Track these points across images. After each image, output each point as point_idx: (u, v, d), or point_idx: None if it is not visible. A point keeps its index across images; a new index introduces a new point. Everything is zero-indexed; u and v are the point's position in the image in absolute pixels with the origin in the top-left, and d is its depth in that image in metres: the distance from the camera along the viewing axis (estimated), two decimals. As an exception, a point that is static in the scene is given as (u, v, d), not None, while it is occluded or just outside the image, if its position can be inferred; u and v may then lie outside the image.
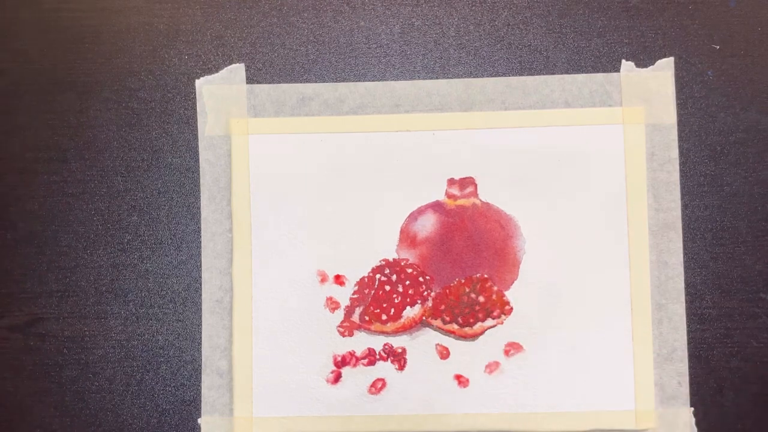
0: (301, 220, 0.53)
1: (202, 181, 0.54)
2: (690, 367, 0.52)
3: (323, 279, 0.53)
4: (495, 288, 0.53)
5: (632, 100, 0.53)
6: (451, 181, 0.53)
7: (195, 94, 0.54)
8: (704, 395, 0.53)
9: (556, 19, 0.54)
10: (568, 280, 0.52)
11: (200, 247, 0.53)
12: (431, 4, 0.55)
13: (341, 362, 0.53)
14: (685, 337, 0.52)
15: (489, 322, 0.53)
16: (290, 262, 0.53)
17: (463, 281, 0.53)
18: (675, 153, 0.53)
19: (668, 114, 0.53)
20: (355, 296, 0.53)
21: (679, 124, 0.53)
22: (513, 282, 0.53)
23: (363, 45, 0.54)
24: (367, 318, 0.53)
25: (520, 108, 0.53)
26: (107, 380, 0.54)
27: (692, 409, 0.52)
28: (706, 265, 0.53)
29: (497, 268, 0.53)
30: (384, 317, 0.53)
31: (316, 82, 0.54)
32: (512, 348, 0.52)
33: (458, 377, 0.52)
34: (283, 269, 0.53)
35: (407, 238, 0.53)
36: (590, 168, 0.53)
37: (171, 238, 0.54)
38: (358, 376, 0.53)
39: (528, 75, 0.54)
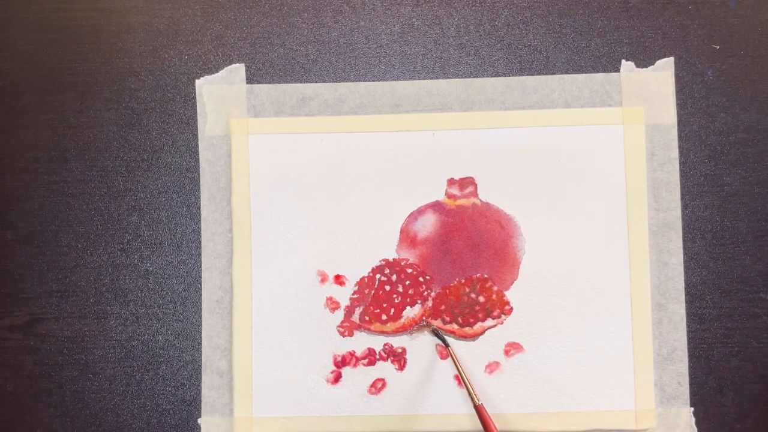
0: (301, 220, 0.53)
1: (202, 181, 0.54)
2: (690, 367, 0.52)
3: (323, 279, 0.53)
4: (495, 288, 0.53)
5: (632, 100, 0.53)
6: (451, 181, 0.53)
7: (195, 94, 0.54)
8: (704, 395, 0.53)
9: (556, 19, 0.54)
10: (568, 280, 0.52)
11: (200, 247, 0.53)
12: (431, 4, 0.55)
13: (341, 362, 0.53)
14: (685, 337, 0.52)
15: (489, 322, 0.53)
16: (290, 262, 0.53)
17: (463, 281, 0.53)
18: (675, 153, 0.53)
19: (668, 114, 0.53)
20: (355, 296, 0.53)
21: (679, 124, 0.53)
22: (513, 282, 0.53)
23: (363, 45, 0.54)
24: (367, 318, 0.53)
25: (520, 108, 0.53)
26: (107, 380, 0.54)
27: (692, 409, 0.52)
28: (706, 265, 0.53)
29: (497, 268, 0.53)
30: (384, 317, 0.53)
31: (316, 82, 0.54)
32: (512, 348, 0.52)
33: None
34: (283, 269, 0.53)
35: (407, 238, 0.53)
36: (590, 168, 0.53)
37: (171, 238, 0.54)
38: (358, 376, 0.53)
39: (528, 75, 0.54)
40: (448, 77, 0.54)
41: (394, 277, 0.53)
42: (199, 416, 0.53)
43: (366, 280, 0.53)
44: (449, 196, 0.53)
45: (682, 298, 0.52)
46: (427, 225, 0.53)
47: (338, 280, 0.53)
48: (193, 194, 0.54)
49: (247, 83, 0.54)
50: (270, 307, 0.53)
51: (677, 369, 0.52)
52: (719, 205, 0.53)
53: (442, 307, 0.52)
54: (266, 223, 0.53)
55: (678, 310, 0.52)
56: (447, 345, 0.51)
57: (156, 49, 0.55)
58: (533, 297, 0.52)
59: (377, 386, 0.52)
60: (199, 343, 0.53)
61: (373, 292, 0.53)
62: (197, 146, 0.54)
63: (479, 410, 0.49)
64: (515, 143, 0.53)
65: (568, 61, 0.54)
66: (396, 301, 0.53)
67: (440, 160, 0.53)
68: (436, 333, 0.52)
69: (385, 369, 0.53)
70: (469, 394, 0.49)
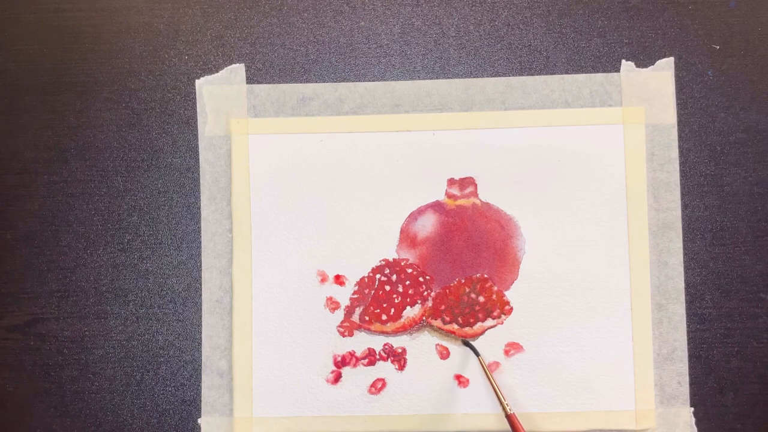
0: (301, 220, 0.53)
1: (202, 181, 0.54)
2: (690, 367, 0.52)
3: (323, 279, 0.53)
4: (495, 288, 0.53)
5: (632, 100, 0.53)
6: (451, 181, 0.53)
7: (195, 94, 0.54)
8: (704, 395, 0.53)
9: (556, 19, 0.54)
10: (567, 280, 0.52)
11: (200, 247, 0.53)
12: (431, 4, 0.55)
13: (341, 362, 0.53)
14: (685, 337, 0.52)
15: (489, 322, 0.53)
16: (290, 262, 0.53)
17: (463, 281, 0.53)
18: (675, 153, 0.53)
19: (668, 114, 0.53)
20: (355, 296, 0.53)
21: (679, 124, 0.53)
22: (513, 282, 0.53)
23: (363, 45, 0.54)
24: (367, 318, 0.53)
25: (520, 108, 0.53)
26: (107, 380, 0.54)
27: (692, 409, 0.52)
28: (706, 265, 0.53)
29: (497, 268, 0.53)
30: (384, 317, 0.53)
31: (316, 82, 0.54)
32: (512, 348, 0.52)
33: (458, 377, 0.52)
34: (283, 269, 0.53)
35: (407, 238, 0.53)
36: (590, 168, 0.53)
37: (171, 238, 0.54)
38: (358, 376, 0.53)
39: (528, 75, 0.54)
40: (448, 77, 0.54)
41: (394, 277, 0.53)
42: (199, 416, 0.53)
43: (366, 280, 0.53)
44: (449, 196, 0.53)
45: (682, 298, 0.52)
46: (427, 225, 0.53)
47: (338, 280, 0.53)
48: (193, 194, 0.54)
49: (247, 83, 0.54)
50: (270, 307, 0.53)
51: (677, 369, 0.52)
52: (719, 205, 0.53)
53: (442, 307, 0.52)
54: (266, 223, 0.53)
55: (678, 310, 0.52)
56: (477, 354, 0.51)
57: (156, 49, 0.55)
58: (533, 297, 0.52)
59: (377, 386, 0.52)
60: (199, 343, 0.53)
61: (373, 292, 0.53)
62: (197, 146, 0.54)
63: (511, 419, 0.49)
64: (515, 143, 0.53)
65: (568, 61, 0.54)
66: (396, 301, 0.53)
67: (440, 160, 0.53)
68: (466, 343, 0.52)
69: (385, 369, 0.53)
70: (500, 403, 0.49)
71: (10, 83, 0.55)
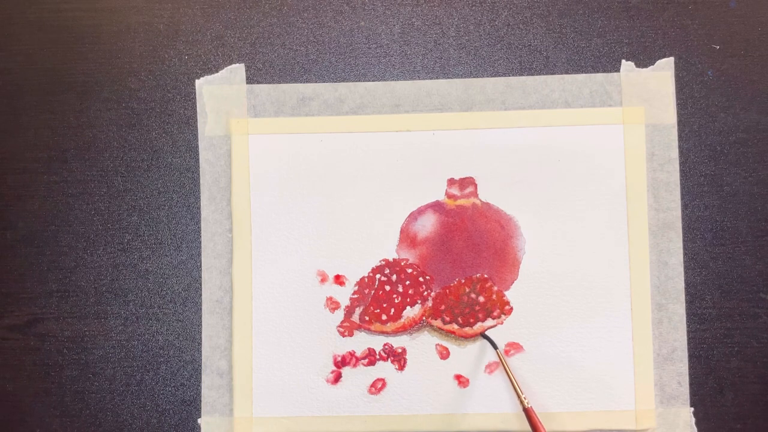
0: (301, 220, 0.53)
1: (202, 181, 0.54)
2: (690, 367, 0.52)
3: (323, 279, 0.53)
4: (495, 288, 0.53)
5: (632, 100, 0.53)
6: (451, 181, 0.53)
7: (195, 94, 0.54)
8: (704, 395, 0.53)
9: (556, 19, 0.54)
10: (568, 280, 0.52)
11: (200, 247, 0.53)
12: (431, 4, 0.55)
13: (341, 362, 0.53)
14: (685, 337, 0.52)
15: (489, 322, 0.53)
16: (290, 262, 0.53)
17: (463, 281, 0.53)
18: (675, 153, 0.53)
19: (668, 114, 0.53)
20: (355, 296, 0.53)
21: (679, 124, 0.53)
22: (513, 282, 0.53)
23: (363, 45, 0.54)
24: (367, 318, 0.53)
25: (520, 108, 0.53)
26: (107, 380, 0.54)
27: (692, 409, 0.52)
28: (706, 265, 0.53)
29: (497, 268, 0.53)
30: (384, 317, 0.53)
31: (316, 82, 0.54)
32: (512, 348, 0.52)
33: (458, 377, 0.52)
34: (283, 269, 0.53)
35: (407, 238, 0.53)
36: (590, 168, 0.53)
37: (171, 238, 0.54)
38: (358, 376, 0.53)
39: (528, 75, 0.54)
40: (448, 77, 0.54)
41: (394, 277, 0.53)
42: (199, 416, 0.53)
43: (366, 280, 0.53)
44: (449, 196, 0.53)
45: (682, 298, 0.52)
46: (427, 225, 0.53)
47: (338, 280, 0.53)
48: (193, 194, 0.54)
49: (247, 83, 0.54)
50: (270, 307, 0.53)
51: (677, 369, 0.52)
52: (719, 205, 0.53)
53: (442, 307, 0.52)
54: (266, 223, 0.53)
55: (678, 310, 0.52)
56: (495, 347, 0.51)
57: (156, 49, 0.55)
58: (533, 297, 0.52)
59: (377, 386, 0.52)
60: (199, 343, 0.53)
61: (373, 292, 0.53)
62: (197, 146, 0.54)
63: (528, 413, 0.49)
64: (515, 143, 0.53)
65: (568, 61, 0.54)
66: (396, 301, 0.53)
67: (440, 160, 0.53)
68: (484, 336, 0.52)
69: (385, 369, 0.53)
70: (518, 396, 0.49)
71: (10, 83, 0.55)
